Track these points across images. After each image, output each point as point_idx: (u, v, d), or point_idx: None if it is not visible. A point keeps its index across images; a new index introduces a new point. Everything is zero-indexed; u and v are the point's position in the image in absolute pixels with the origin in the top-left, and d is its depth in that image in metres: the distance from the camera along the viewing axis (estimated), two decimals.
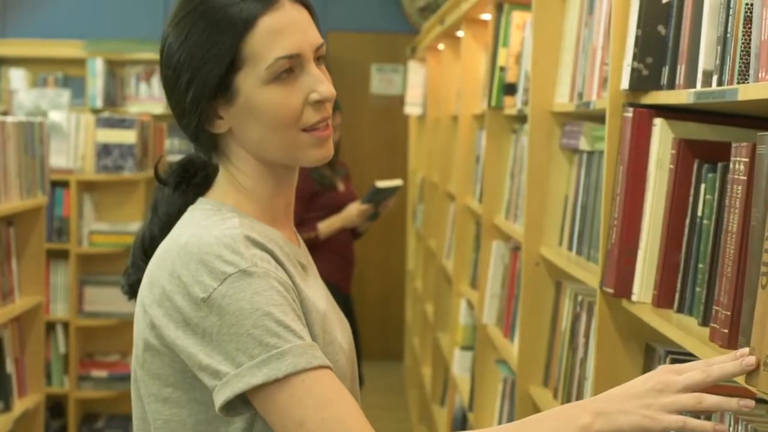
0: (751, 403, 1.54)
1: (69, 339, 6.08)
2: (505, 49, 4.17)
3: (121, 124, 6.20)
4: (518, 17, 4.09)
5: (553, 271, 3.30)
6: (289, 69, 1.73)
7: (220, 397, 1.62)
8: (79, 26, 9.30)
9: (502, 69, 4.17)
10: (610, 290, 2.32)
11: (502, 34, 4.18)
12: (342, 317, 1.92)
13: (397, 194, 5.61)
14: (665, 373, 1.60)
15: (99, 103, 8.92)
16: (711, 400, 1.55)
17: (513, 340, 3.72)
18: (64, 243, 6.01)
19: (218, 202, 1.79)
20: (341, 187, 5.58)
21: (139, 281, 1.78)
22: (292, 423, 1.60)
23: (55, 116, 6.12)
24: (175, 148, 9.36)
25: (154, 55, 9.34)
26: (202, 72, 1.72)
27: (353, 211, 5.43)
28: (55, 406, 6.12)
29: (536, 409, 3.26)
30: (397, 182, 5.55)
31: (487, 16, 4.64)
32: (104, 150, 6.12)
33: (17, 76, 8.84)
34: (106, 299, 6.11)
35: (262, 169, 1.80)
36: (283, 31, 1.72)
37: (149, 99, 9.40)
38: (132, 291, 1.85)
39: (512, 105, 4.00)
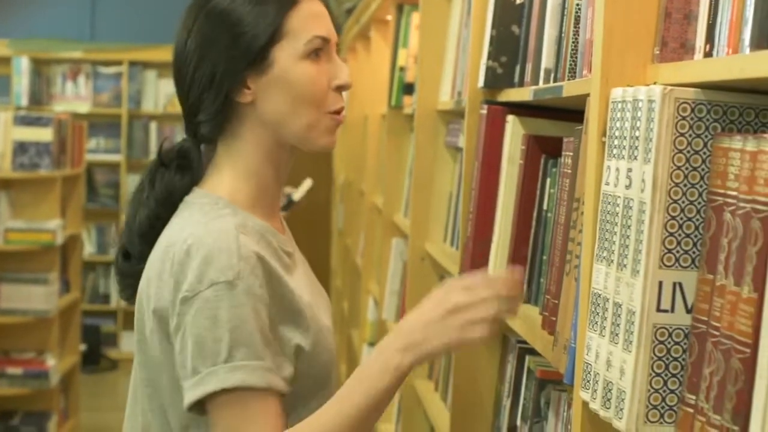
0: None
1: None
2: (405, 50, 4.24)
3: (38, 122, 6.20)
4: (417, 18, 4.14)
5: (437, 267, 3.37)
6: (319, 50, 1.83)
7: (185, 400, 1.70)
8: (4, 25, 9.27)
9: (402, 69, 4.23)
10: None
11: (402, 35, 4.25)
12: (323, 292, 2.02)
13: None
14: (453, 290, 1.70)
15: (24, 101, 8.91)
16: (501, 282, 1.69)
17: None
18: None
19: (214, 196, 1.84)
20: None
21: (134, 260, 1.88)
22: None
23: None
24: (100, 148, 9.36)
25: (80, 54, 9.35)
26: (245, 38, 1.79)
27: None
28: None
29: (420, 403, 3.33)
30: (307, 185, 5.59)
31: (390, 17, 4.70)
32: (20, 148, 6.12)
33: None
34: (22, 296, 6.10)
35: (268, 151, 1.86)
36: (318, 16, 1.84)
37: (75, 97, 9.40)
38: (125, 270, 1.91)
39: (410, 104, 4.07)
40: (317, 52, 1.83)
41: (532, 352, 2.21)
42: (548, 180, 2.14)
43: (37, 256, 6.12)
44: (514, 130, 2.27)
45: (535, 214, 2.19)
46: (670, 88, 1.28)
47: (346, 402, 1.70)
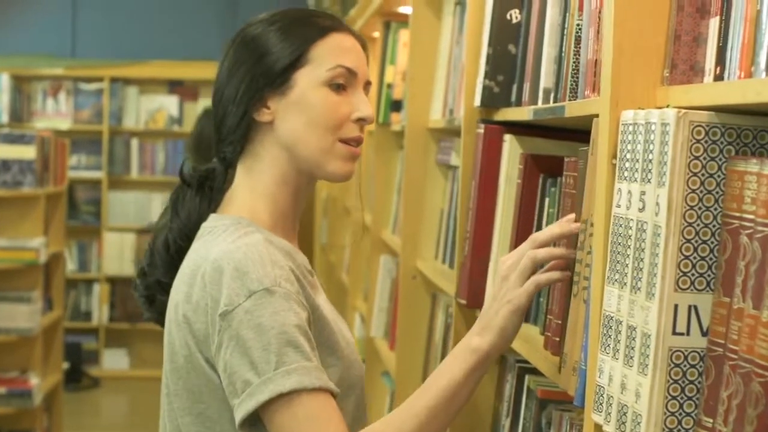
0: (574, 221, 1.73)
1: None
2: (393, 67, 4.24)
3: (21, 139, 6.18)
4: (405, 35, 4.14)
5: (429, 284, 3.36)
6: (343, 85, 1.88)
7: (237, 416, 1.71)
8: None
9: (389, 86, 4.23)
10: (463, 301, 2.39)
11: (389, 52, 4.25)
12: (338, 313, 2.03)
13: None
14: (502, 263, 1.82)
15: (5, 118, 8.88)
16: (541, 251, 1.77)
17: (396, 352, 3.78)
18: None
19: (235, 217, 1.87)
20: None
21: (157, 282, 1.90)
22: None
23: None
24: (81, 165, 9.33)
25: (61, 71, 9.32)
26: (269, 59, 1.87)
27: None
28: None
29: None
30: None
31: (377, 34, 4.70)
32: (3, 166, 6.09)
33: None
34: (5, 315, 6.06)
35: (285, 173, 1.90)
36: (348, 50, 1.90)
37: (56, 114, 9.37)
38: (148, 294, 1.94)
39: (398, 121, 4.07)
40: (341, 82, 1.88)
41: (532, 371, 2.20)
42: (546, 200, 2.14)
43: (20, 275, 6.09)
44: (511, 150, 2.27)
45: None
46: (684, 111, 1.28)
47: (431, 390, 1.78)
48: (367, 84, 1.95)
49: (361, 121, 1.90)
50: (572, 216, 1.74)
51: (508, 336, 1.81)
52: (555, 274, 1.77)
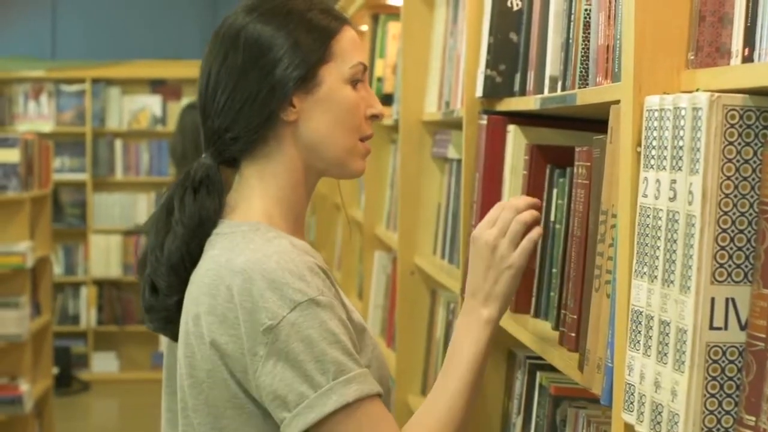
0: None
1: None
2: (382, 60, 4.18)
3: (5, 143, 6.10)
4: (394, 28, 4.09)
5: (428, 280, 3.31)
6: (359, 79, 1.85)
7: (293, 429, 1.65)
8: None
9: (380, 80, 4.17)
10: None
11: (378, 45, 4.19)
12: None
13: None
14: (482, 235, 1.85)
15: None
16: (525, 213, 1.86)
17: (395, 350, 3.72)
18: None
19: (252, 222, 1.78)
20: None
21: (177, 302, 1.78)
22: None
23: None
24: (65, 167, 9.26)
25: (42, 73, 9.24)
26: (296, 56, 1.79)
27: None
28: None
29: None
30: None
31: (365, 27, 4.64)
32: None
33: None
34: None
35: (300, 174, 1.83)
36: (358, 44, 1.88)
37: (38, 117, 9.28)
38: (168, 314, 1.82)
39: (390, 115, 4.01)
40: (360, 78, 1.85)
41: (544, 367, 2.15)
42: (555, 191, 2.08)
43: (7, 280, 6.01)
44: (516, 140, 2.21)
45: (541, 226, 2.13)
46: (717, 94, 1.23)
47: (454, 380, 1.80)
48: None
49: (375, 118, 1.88)
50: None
51: (509, 300, 1.87)
52: (539, 229, 1.88)
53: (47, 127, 9.24)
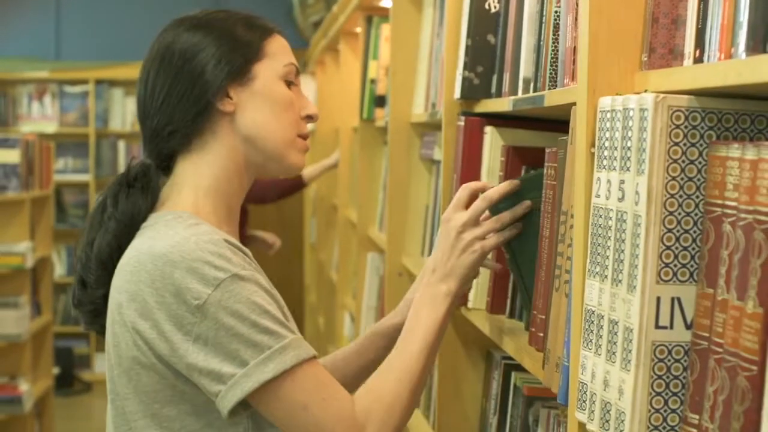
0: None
1: None
2: (376, 62, 4.20)
3: (5, 143, 6.13)
4: (387, 30, 4.10)
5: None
6: (293, 82, 1.91)
7: (229, 399, 1.66)
8: None
9: (373, 81, 4.19)
10: None
11: (372, 47, 4.20)
12: None
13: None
14: (453, 217, 1.92)
15: None
16: (492, 191, 1.92)
17: None
18: None
19: (176, 212, 1.81)
20: None
21: (104, 296, 1.80)
22: (298, 407, 1.69)
23: None
24: (68, 168, 9.28)
25: (45, 74, 9.26)
26: (230, 52, 1.85)
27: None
28: None
29: None
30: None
31: (359, 29, 4.65)
32: None
33: None
34: None
35: (236, 167, 1.86)
36: (288, 50, 1.93)
37: (42, 117, 9.31)
38: (95, 307, 1.84)
39: (382, 117, 4.02)
40: (292, 80, 1.90)
41: (519, 368, 2.16)
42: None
43: (7, 280, 6.04)
44: (493, 142, 2.22)
45: None
46: (662, 95, 1.24)
47: (411, 344, 1.81)
48: None
49: (309, 119, 1.92)
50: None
51: (469, 280, 1.94)
52: (514, 231, 1.93)
53: (51, 127, 9.27)
